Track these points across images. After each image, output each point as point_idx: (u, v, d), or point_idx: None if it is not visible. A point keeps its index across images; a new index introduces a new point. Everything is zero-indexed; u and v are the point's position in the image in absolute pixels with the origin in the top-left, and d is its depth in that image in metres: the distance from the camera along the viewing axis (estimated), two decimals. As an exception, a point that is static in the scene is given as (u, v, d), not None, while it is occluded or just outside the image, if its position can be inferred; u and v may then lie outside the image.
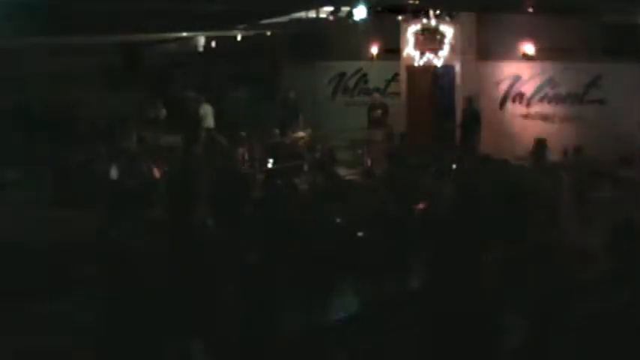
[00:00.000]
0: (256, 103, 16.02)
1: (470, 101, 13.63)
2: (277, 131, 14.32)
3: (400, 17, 14.29)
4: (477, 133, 13.32)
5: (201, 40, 15.93)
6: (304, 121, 14.97)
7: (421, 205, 9.36)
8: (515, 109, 13.87)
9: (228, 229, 8.22)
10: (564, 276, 6.10)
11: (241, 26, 14.63)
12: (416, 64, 14.44)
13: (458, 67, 14.14)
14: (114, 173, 10.93)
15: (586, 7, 10.68)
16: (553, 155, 11.71)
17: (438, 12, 13.78)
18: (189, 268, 6.51)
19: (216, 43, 16.11)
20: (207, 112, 14.74)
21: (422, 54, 14.26)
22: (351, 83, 16.26)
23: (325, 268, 7.21)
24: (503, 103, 14.01)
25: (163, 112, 15.03)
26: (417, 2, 13.13)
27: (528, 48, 13.31)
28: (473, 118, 13.47)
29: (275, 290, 6.28)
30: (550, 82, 13.38)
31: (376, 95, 15.08)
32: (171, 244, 7.25)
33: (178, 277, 6.41)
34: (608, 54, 12.05)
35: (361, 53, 15.48)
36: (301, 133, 14.50)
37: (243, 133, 13.34)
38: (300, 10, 13.78)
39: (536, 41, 13.23)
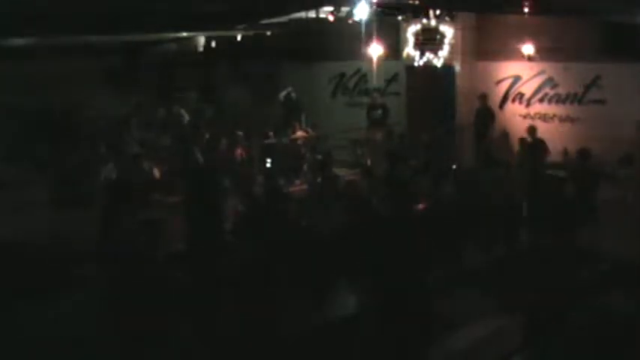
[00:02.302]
0: (256, 103, 15.99)
1: (483, 98, 13.78)
2: (276, 131, 14.28)
3: (400, 17, 14.26)
4: (491, 129, 13.52)
5: (201, 40, 15.93)
6: (304, 121, 14.95)
7: (421, 205, 9.37)
8: (515, 109, 13.85)
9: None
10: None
11: (241, 26, 14.62)
12: (416, 64, 14.41)
13: (458, 67, 14.13)
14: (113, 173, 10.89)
15: (586, 8, 10.65)
16: (553, 156, 11.73)
17: (438, 12, 13.75)
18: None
19: (216, 43, 16.10)
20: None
21: (422, 54, 14.22)
22: (351, 83, 16.25)
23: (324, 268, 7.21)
24: (503, 103, 14.01)
25: (162, 112, 15.01)
26: (416, 2, 13.11)
27: (528, 48, 13.28)
28: (486, 114, 13.68)
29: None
30: (550, 82, 13.37)
31: (376, 95, 15.06)
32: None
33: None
34: (608, 54, 12.03)
35: (361, 53, 15.45)
36: (300, 133, 14.48)
37: (243, 133, 13.31)
38: (300, 10, 13.77)
39: (536, 41, 13.20)
